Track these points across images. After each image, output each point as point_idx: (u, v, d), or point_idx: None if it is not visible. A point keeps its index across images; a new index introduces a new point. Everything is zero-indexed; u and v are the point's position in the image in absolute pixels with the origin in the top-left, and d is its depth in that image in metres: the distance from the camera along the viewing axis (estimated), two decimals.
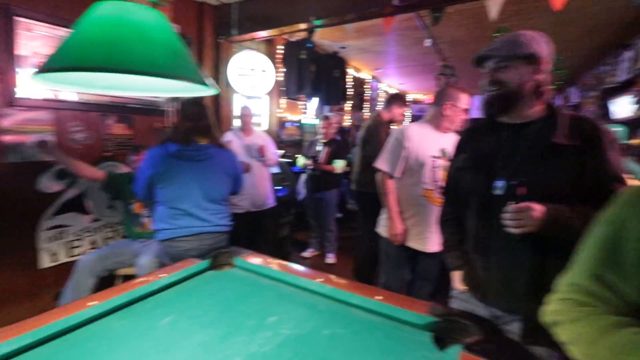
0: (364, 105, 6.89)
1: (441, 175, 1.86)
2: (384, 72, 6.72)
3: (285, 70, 4.28)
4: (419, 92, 9.00)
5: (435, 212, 1.84)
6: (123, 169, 2.49)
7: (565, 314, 0.51)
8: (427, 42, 3.01)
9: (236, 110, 3.64)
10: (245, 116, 2.96)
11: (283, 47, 4.17)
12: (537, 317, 0.67)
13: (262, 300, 1.15)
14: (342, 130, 6.48)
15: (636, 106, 3.42)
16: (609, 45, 4.10)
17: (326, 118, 3.51)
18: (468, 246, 1.16)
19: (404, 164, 1.89)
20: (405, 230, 1.93)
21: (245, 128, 2.98)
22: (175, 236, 1.66)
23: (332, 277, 1.27)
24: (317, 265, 3.53)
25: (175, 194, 1.67)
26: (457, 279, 1.20)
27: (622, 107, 3.81)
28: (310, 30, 2.92)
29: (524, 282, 1.01)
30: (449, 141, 1.86)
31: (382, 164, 1.96)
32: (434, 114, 1.92)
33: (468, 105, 1.90)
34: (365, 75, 6.62)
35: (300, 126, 4.89)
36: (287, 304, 1.13)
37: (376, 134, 2.73)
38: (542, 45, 1.01)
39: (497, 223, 0.98)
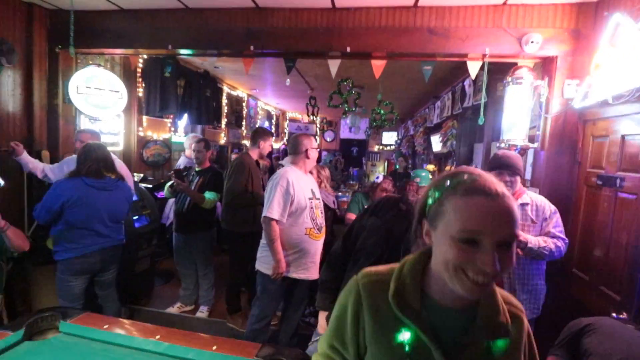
0: (242, 123, 6.93)
1: (316, 213, 2.11)
2: (260, 92, 6.93)
3: (146, 87, 3.96)
4: (295, 111, 9.61)
5: (314, 245, 2.09)
6: None
7: None
8: (287, 82, 3.35)
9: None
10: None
11: (142, 62, 3.86)
12: None
13: None
14: (220, 148, 6.35)
15: (441, 144, 4.61)
16: (426, 94, 5.40)
17: (200, 142, 2.97)
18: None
19: (289, 209, 1.99)
20: (287, 263, 2.03)
21: None
22: (82, 253, 2.07)
23: (170, 330, 1.32)
24: (184, 323, 2.86)
25: (86, 217, 2.06)
26: (321, 319, 1.38)
27: (435, 143, 5.05)
28: (170, 56, 2.82)
29: None
30: (312, 181, 2.20)
31: (274, 212, 1.95)
32: (298, 159, 2.11)
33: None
34: (241, 93, 6.68)
35: (168, 145, 4.55)
36: None
37: (240, 170, 2.65)
38: None
39: None
